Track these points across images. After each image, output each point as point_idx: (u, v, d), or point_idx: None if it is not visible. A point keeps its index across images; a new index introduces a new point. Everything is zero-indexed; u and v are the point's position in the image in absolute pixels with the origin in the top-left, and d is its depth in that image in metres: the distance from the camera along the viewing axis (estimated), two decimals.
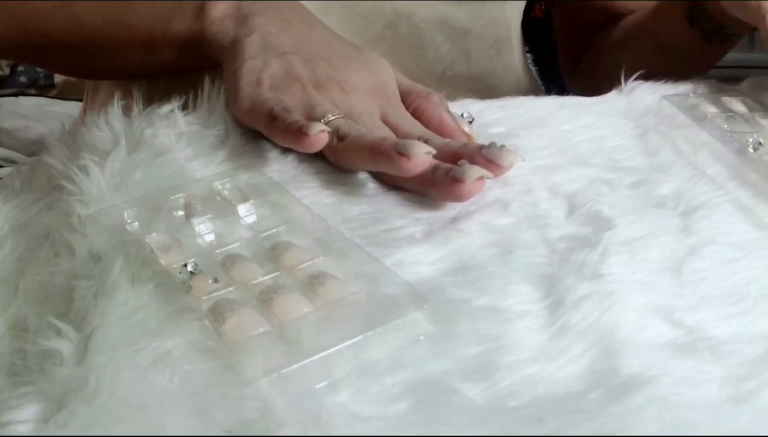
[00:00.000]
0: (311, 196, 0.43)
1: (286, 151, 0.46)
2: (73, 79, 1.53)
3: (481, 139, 0.48)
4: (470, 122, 0.50)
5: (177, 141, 0.46)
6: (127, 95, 0.51)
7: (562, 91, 0.60)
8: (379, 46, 0.66)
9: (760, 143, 0.49)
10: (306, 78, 0.48)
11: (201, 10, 0.53)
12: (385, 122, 0.48)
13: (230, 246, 0.38)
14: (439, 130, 0.48)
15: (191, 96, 0.50)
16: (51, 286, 0.36)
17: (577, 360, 0.33)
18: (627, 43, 0.78)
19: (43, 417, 0.29)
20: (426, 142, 0.44)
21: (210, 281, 0.34)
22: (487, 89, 0.72)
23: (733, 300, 0.37)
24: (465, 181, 0.41)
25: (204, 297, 0.34)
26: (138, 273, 0.35)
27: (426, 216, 0.42)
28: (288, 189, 0.42)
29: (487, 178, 0.42)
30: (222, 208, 0.41)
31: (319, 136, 0.42)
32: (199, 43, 0.53)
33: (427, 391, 0.30)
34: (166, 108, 0.49)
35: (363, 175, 0.45)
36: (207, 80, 0.51)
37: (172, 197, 0.41)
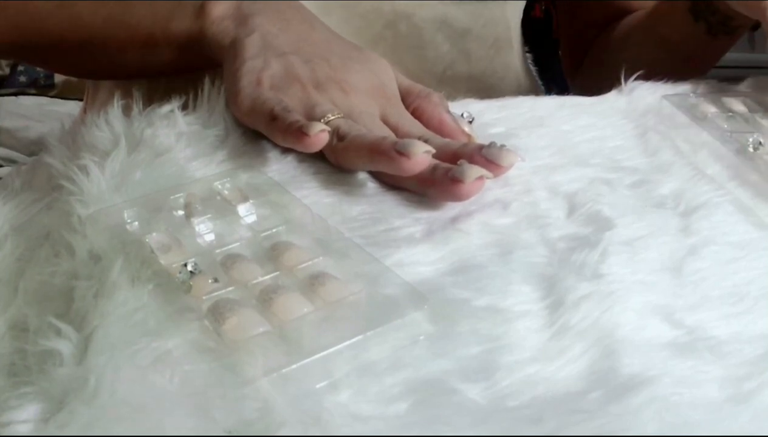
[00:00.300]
0: (311, 196, 0.43)
1: (286, 151, 0.46)
2: (73, 79, 1.53)
3: (481, 139, 0.48)
4: (470, 122, 0.50)
5: (177, 141, 0.46)
6: (127, 95, 0.51)
7: (562, 91, 0.60)
8: (379, 46, 0.66)
9: (760, 143, 0.49)
10: (306, 78, 0.48)
11: (201, 10, 0.53)
12: (385, 122, 0.48)
13: (230, 246, 0.38)
14: (439, 129, 0.48)
15: (191, 96, 0.50)
16: (51, 286, 0.36)
17: (577, 360, 0.33)
18: (629, 41, 0.78)
19: (43, 417, 0.29)
20: (426, 141, 0.44)
21: (210, 281, 0.34)
22: (486, 89, 0.72)
23: (733, 300, 0.37)
24: (464, 181, 0.41)
25: (204, 297, 0.34)
26: (138, 273, 0.35)
27: (426, 216, 0.42)
28: (288, 189, 0.42)
29: (487, 177, 0.42)
30: (222, 208, 0.41)
31: (319, 135, 0.42)
32: (199, 43, 0.53)
33: (427, 391, 0.30)
34: (166, 108, 0.49)
35: (363, 175, 0.45)
36: (207, 80, 0.51)
37: (172, 197, 0.41)
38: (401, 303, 0.34)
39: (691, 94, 0.56)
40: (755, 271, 0.39)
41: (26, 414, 0.29)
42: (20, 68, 1.70)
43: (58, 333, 0.32)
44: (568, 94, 0.58)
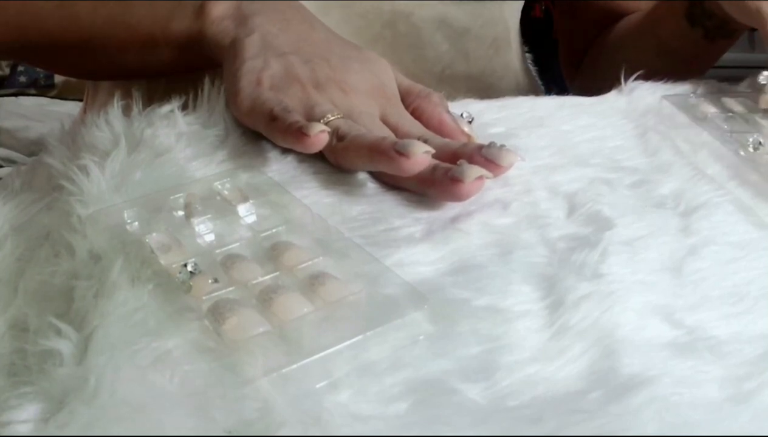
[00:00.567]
0: (311, 196, 0.43)
1: (285, 151, 0.46)
2: (73, 79, 1.53)
3: (480, 139, 0.48)
4: (470, 122, 0.50)
5: (177, 141, 0.46)
6: (127, 95, 0.51)
7: (562, 91, 0.60)
8: (378, 46, 0.66)
9: (760, 143, 0.49)
10: (306, 78, 0.48)
11: (201, 10, 0.53)
12: (385, 122, 0.48)
13: (230, 246, 0.38)
14: (439, 129, 0.48)
15: (191, 96, 0.50)
16: (51, 286, 0.36)
17: (577, 360, 0.33)
18: (627, 43, 0.78)
19: (43, 417, 0.29)
20: (425, 141, 0.44)
21: (210, 281, 0.34)
22: (485, 89, 0.72)
23: (733, 300, 0.37)
24: (464, 181, 0.41)
25: (204, 297, 0.34)
26: (138, 273, 0.35)
27: (426, 216, 0.42)
28: (288, 189, 0.42)
29: (487, 177, 0.42)
30: (222, 208, 0.41)
31: (319, 136, 0.42)
32: (198, 43, 0.53)
33: (427, 391, 0.30)
34: (166, 108, 0.49)
35: (362, 175, 0.45)
36: (207, 80, 0.51)
37: (172, 197, 0.41)
38: (401, 303, 0.34)
39: (691, 95, 0.56)
40: (755, 271, 0.39)
41: (26, 414, 0.29)
42: (20, 68, 1.70)
43: (58, 333, 0.32)
44: (568, 94, 0.58)
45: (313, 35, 0.52)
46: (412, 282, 0.35)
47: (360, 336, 0.32)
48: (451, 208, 0.42)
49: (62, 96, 1.67)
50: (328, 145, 0.44)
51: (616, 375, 0.32)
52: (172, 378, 0.30)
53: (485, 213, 0.42)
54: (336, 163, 0.45)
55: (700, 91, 0.57)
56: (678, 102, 0.54)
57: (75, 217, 0.39)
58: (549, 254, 0.39)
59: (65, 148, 0.47)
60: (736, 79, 0.61)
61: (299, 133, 0.42)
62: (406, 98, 0.51)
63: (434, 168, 0.42)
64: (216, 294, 0.34)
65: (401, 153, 0.41)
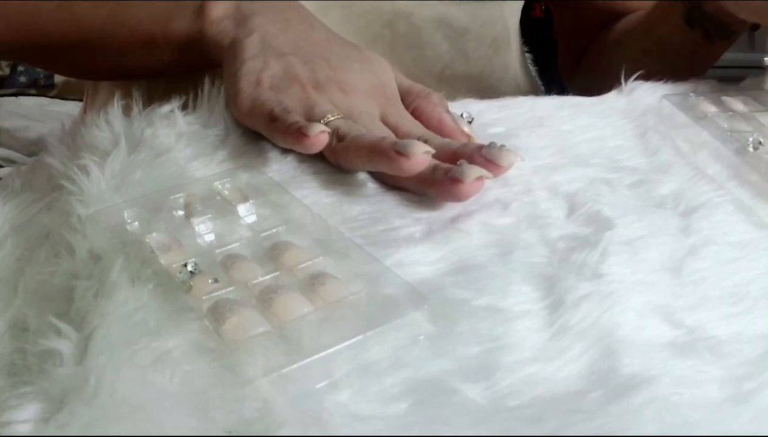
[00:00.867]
0: (311, 196, 0.43)
1: (286, 151, 0.46)
2: (72, 79, 1.53)
3: (480, 139, 0.48)
4: (470, 122, 0.50)
5: (177, 141, 0.46)
6: (127, 95, 0.51)
7: (562, 91, 0.60)
8: (378, 45, 0.66)
9: (760, 142, 0.49)
10: (305, 78, 0.48)
11: (200, 11, 0.53)
12: (385, 122, 0.48)
13: (230, 246, 0.38)
14: (439, 130, 0.48)
15: (191, 96, 0.50)
16: (51, 286, 0.36)
17: (577, 360, 0.33)
18: (627, 43, 0.78)
19: (43, 417, 0.29)
20: (425, 141, 0.44)
21: (210, 281, 0.34)
22: (485, 88, 0.72)
23: (733, 300, 0.37)
24: (464, 181, 0.41)
25: (204, 297, 0.34)
26: (138, 273, 0.35)
27: (426, 216, 0.42)
28: (288, 189, 0.42)
29: (487, 177, 0.42)
30: (222, 208, 0.41)
31: (319, 136, 0.42)
32: (198, 44, 0.53)
33: (427, 391, 0.30)
34: (166, 108, 0.49)
35: (363, 175, 0.45)
36: (207, 80, 0.51)
37: (172, 197, 0.41)
38: (401, 303, 0.34)
39: (691, 94, 0.56)
40: (755, 271, 0.39)
41: (26, 414, 0.29)
42: (20, 68, 1.70)
43: (58, 333, 0.32)
44: (568, 94, 0.58)
45: (312, 35, 0.52)
46: (412, 282, 0.35)
47: (360, 336, 0.32)
48: (451, 208, 0.42)
49: (62, 96, 1.67)
50: (328, 146, 0.44)
51: (616, 375, 0.32)
52: (172, 378, 0.30)
53: (485, 213, 0.42)
54: (336, 163, 0.45)
55: (700, 90, 0.57)
56: (678, 101, 0.54)
57: (75, 216, 0.39)
58: (549, 254, 0.39)
59: (65, 148, 0.47)
60: (736, 79, 0.61)
61: (299, 133, 0.43)
62: (406, 98, 0.51)
63: (434, 168, 0.42)
64: (216, 294, 0.34)
65: (401, 153, 0.41)
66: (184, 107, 0.49)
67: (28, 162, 0.50)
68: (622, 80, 0.57)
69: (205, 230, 0.39)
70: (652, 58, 0.73)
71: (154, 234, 0.37)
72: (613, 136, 0.51)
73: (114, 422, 0.28)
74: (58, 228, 0.39)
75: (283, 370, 0.30)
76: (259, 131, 0.46)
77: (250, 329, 0.32)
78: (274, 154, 0.46)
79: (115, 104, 0.48)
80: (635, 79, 0.57)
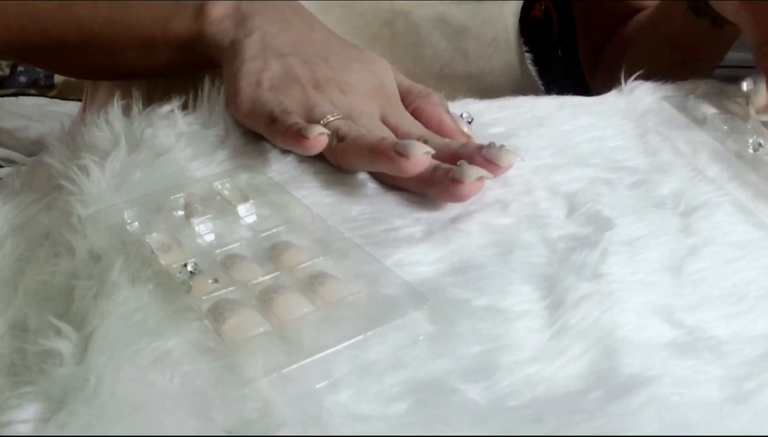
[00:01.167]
0: (311, 196, 0.43)
1: (286, 151, 0.46)
2: (73, 79, 1.53)
3: (480, 139, 0.48)
4: (469, 122, 0.50)
5: (177, 141, 0.46)
6: (127, 95, 0.51)
7: (561, 91, 0.59)
8: (377, 45, 0.66)
9: (760, 144, 0.48)
10: (305, 79, 0.48)
11: (200, 11, 0.53)
12: (385, 122, 0.48)
13: (230, 246, 0.38)
14: (439, 130, 0.48)
15: (191, 96, 0.50)
16: (51, 286, 0.36)
17: (577, 360, 0.33)
18: (638, 40, 0.78)
19: (43, 417, 0.29)
20: (425, 142, 0.44)
21: (210, 281, 0.34)
22: (484, 88, 0.72)
23: (733, 300, 0.37)
24: (464, 182, 0.41)
25: (204, 297, 0.34)
26: (138, 273, 0.35)
27: (426, 216, 0.42)
28: (288, 189, 0.42)
29: (487, 178, 0.42)
30: (222, 208, 0.41)
31: (318, 138, 0.42)
32: (198, 44, 0.53)
33: (427, 391, 0.30)
34: (166, 108, 0.49)
35: (363, 175, 0.45)
36: (207, 80, 0.51)
37: (172, 197, 0.41)
38: (401, 303, 0.34)
39: (691, 96, 0.56)
40: (755, 271, 0.39)
41: (26, 414, 0.29)
42: (20, 68, 1.70)
43: (58, 333, 0.32)
44: (567, 94, 0.58)
45: (312, 35, 0.52)
46: (412, 282, 0.35)
47: (360, 336, 0.32)
48: (451, 208, 0.42)
49: (62, 96, 1.68)
50: (328, 146, 0.44)
51: (616, 375, 0.32)
52: (172, 378, 0.30)
53: (485, 213, 0.42)
54: (336, 163, 0.45)
55: (700, 92, 0.57)
56: (678, 103, 0.54)
57: (75, 216, 0.39)
58: (549, 254, 0.39)
59: (65, 148, 0.47)
60: (736, 79, 0.61)
61: (299, 135, 0.43)
62: (405, 98, 0.51)
63: (434, 168, 0.42)
64: (216, 294, 0.34)
65: (401, 154, 0.41)
66: (184, 107, 0.49)
67: (28, 162, 0.50)
68: (622, 80, 0.57)
69: (205, 230, 0.39)
70: (664, 52, 0.73)
71: (154, 234, 0.37)
72: (613, 136, 0.51)
73: (114, 422, 0.28)
74: (58, 228, 0.39)
75: (283, 370, 0.30)
76: (259, 132, 0.46)
77: (250, 329, 0.32)
78: (274, 154, 0.46)
79: (115, 104, 0.48)
80: (635, 79, 0.57)
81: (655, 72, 0.57)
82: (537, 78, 0.84)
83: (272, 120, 0.45)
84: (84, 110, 0.77)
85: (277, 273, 0.36)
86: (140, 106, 0.49)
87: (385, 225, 0.40)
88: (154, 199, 0.40)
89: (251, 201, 0.41)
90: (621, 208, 0.43)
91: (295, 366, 0.30)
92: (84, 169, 0.42)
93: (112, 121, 0.47)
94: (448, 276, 0.37)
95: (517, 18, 0.77)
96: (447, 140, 0.47)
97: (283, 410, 0.29)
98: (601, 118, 0.53)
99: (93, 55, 0.59)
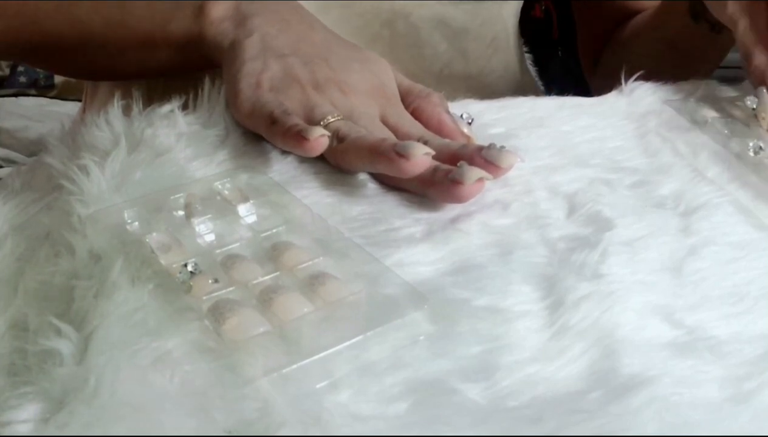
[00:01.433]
0: (311, 196, 0.43)
1: (286, 151, 0.46)
2: (73, 79, 1.53)
3: (480, 140, 0.48)
4: (470, 123, 0.50)
5: (177, 141, 0.46)
6: (127, 95, 0.51)
7: (561, 91, 0.60)
8: (377, 45, 0.66)
9: (760, 147, 0.48)
10: (305, 79, 0.48)
11: (200, 11, 0.53)
12: (385, 122, 0.48)
13: (230, 247, 0.38)
14: (439, 130, 0.48)
15: (191, 96, 0.50)
16: (51, 286, 0.36)
17: (577, 360, 0.33)
18: (636, 43, 0.78)
19: (43, 417, 0.29)
20: (425, 142, 0.45)
21: (210, 281, 0.34)
22: (484, 88, 0.72)
23: (733, 301, 0.37)
24: (464, 183, 0.41)
25: (204, 297, 0.34)
26: (138, 273, 0.35)
27: (426, 216, 0.42)
28: (288, 189, 0.42)
29: (487, 179, 0.42)
30: (222, 208, 0.41)
31: (318, 140, 0.42)
32: (198, 45, 0.53)
33: (427, 391, 0.30)
34: (166, 108, 0.49)
35: (363, 176, 0.45)
36: (207, 80, 0.51)
37: (172, 197, 0.41)
38: (401, 303, 0.34)
39: (692, 99, 0.56)
40: (755, 271, 0.39)
41: (26, 414, 0.29)
42: (20, 69, 1.70)
43: (58, 333, 0.32)
44: (567, 95, 0.58)
45: (312, 36, 0.52)
46: (412, 283, 0.35)
47: (360, 337, 0.32)
48: (451, 209, 0.42)
49: (62, 96, 1.68)
50: (329, 147, 0.44)
51: (616, 375, 0.32)
52: (172, 378, 0.30)
53: (485, 213, 0.42)
54: (336, 164, 0.45)
55: (701, 94, 0.57)
56: (679, 106, 0.54)
57: (75, 216, 0.39)
58: (549, 254, 0.39)
59: (65, 147, 0.47)
60: (736, 80, 0.61)
61: (299, 136, 0.43)
62: (405, 98, 0.51)
63: (435, 169, 0.42)
64: (216, 294, 0.34)
65: (401, 154, 0.41)
66: (184, 107, 0.49)
67: (28, 162, 0.50)
68: (623, 81, 0.57)
69: (205, 230, 0.39)
70: (662, 56, 0.73)
71: (154, 234, 0.37)
72: (613, 137, 0.51)
73: (114, 422, 0.28)
74: (58, 228, 0.39)
75: (283, 370, 0.30)
76: (260, 133, 0.46)
77: (250, 329, 0.32)
78: (274, 154, 0.46)
79: (115, 104, 0.48)
80: (635, 79, 0.57)
81: (654, 74, 0.58)
82: (537, 78, 0.84)
83: (272, 121, 0.45)
84: (84, 110, 0.77)
85: (277, 273, 0.36)
86: (140, 106, 0.49)
87: (385, 226, 0.41)
88: (154, 199, 0.40)
89: (251, 201, 0.41)
90: (621, 208, 0.43)
91: (295, 366, 0.30)
92: (84, 169, 0.42)
93: (112, 121, 0.47)
94: (448, 277, 0.37)
95: (517, 18, 0.77)
96: (447, 141, 0.47)
97: (283, 410, 0.29)
98: (601, 118, 0.53)
99: (93, 55, 0.59)
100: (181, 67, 0.56)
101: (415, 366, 0.31)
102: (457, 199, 0.42)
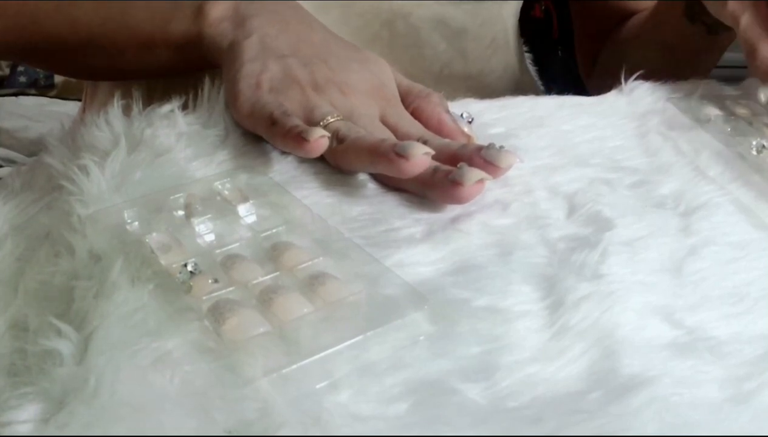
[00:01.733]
0: (311, 196, 0.43)
1: (286, 151, 0.46)
2: (72, 79, 1.53)
3: (480, 140, 0.48)
4: (470, 122, 0.50)
5: (177, 141, 0.46)
6: (126, 95, 0.51)
7: (561, 91, 0.60)
8: (376, 45, 0.66)
9: (763, 146, 0.48)
10: (305, 80, 0.48)
11: (199, 12, 0.53)
12: (385, 123, 0.48)
13: (230, 247, 0.38)
14: (438, 130, 0.48)
15: (191, 96, 0.50)
16: (51, 286, 0.36)
17: (577, 360, 0.33)
18: (633, 44, 0.78)
19: (43, 417, 0.29)
20: (425, 142, 0.44)
21: (210, 281, 0.34)
22: (484, 88, 0.72)
23: (733, 301, 0.37)
24: (464, 184, 0.41)
25: (204, 298, 0.34)
26: (138, 273, 0.35)
27: (426, 216, 0.42)
28: (288, 189, 0.42)
29: (486, 179, 0.42)
30: (222, 208, 0.41)
31: (319, 141, 0.42)
32: (197, 45, 0.53)
33: (427, 391, 0.30)
34: (166, 108, 0.49)
35: (363, 176, 0.45)
36: (207, 80, 0.51)
37: (172, 197, 0.41)
38: (401, 303, 0.34)
39: (694, 97, 0.56)
40: (755, 272, 0.39)
41: (26, 414, 0.29)
42: (20, 68, 1.70)
43: (58, 333, 0.32)
44: (567, 94, 0.58)
45: (311, 36, 0.52)
46: (413, 283, 0.35)
47: (360, 337, 0.32)
48: (451, 209, 0.42)
49: (62, 96, 1.68)
50: (328, 148, 0.44)
51: (616, 376, 0.32)
52: (172, 379, 0.30)
53: (485, 213, 0.42)
54: (336, 164, 0.45)
55: (702, 93, 0.57)
56: (680, 104, 0.54)
57: (75, 216, 0.39)
58: (549, 254, 0.39)
59: (65, 148, 0.47)
60: (736, 79, 0.61)
61: (299, 138, 0.42)
62: (405, 98, 0.51)
63: (434, 170, 0.42)
64: (216, 294, 0.34)
65: (401, 155, 0.41)
66: (184, 107, 0.49)
67: (28, 162, 0.50)
68: (623, 80, 0.57)
69: (205, 230, 0.39)
70: (658, 57, 0.73)
71: (154, 234, 0.37)
72: (613, 136, 0.51)
73: (114, 422, 0.28)
74: (58, 228, 0.39)
75: (283, 371, 0.30)
76: (260, 134, 0.46)
77: (250, 329, 0.32)
78: (274, 155, 0.46)
79: (115, 104, 0.48)
80: (635, 78, 0.57)
81: (651, 75, 0.58)
82: (537, 78, 0.84)
83: (272, 122, 0.45)
84: (84, 110, 0.77)
85: (277, 273, 0.36)
86: (140, 106, 0.49)
87: (385, 226, 0.41)
88: (154, 199, 0.40)
89: (251, 201, 0.41)
90: (621, 208, 0.43)
91: (295, 366, 0.30)
92: (84, 169, 0.42)
93: (112, 121, 0.47)
94: (448, 277, 0.37)
95: (517, 18, 0.77)
96: (447, 141, 0.47)
97: (283, 410, 0.29)
98: (602, 118, 0.53)
99: (92, 56, 0.59)
100: (181, 68, 0.56)
101: (415, 366, 0.31)
102: (457, 200, 0.42)
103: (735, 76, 0.61)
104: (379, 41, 0.66)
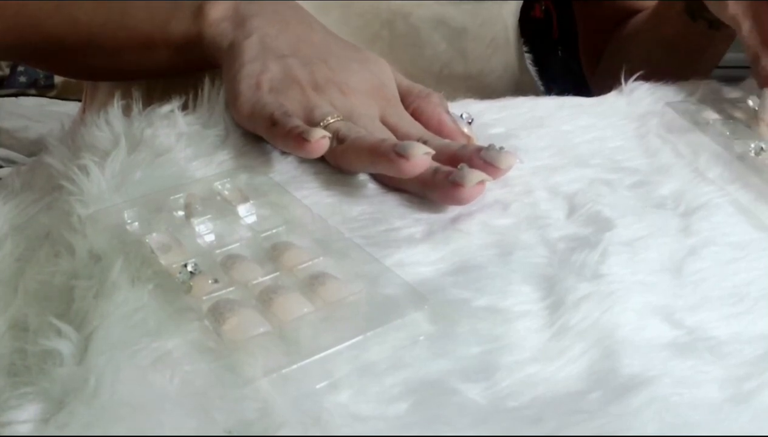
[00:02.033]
0: (311, 196, 0.43)
1: (286, 151, 0.46)
2: (72, 79, 1.53)
3: (481, 140, 0.48)
4: (470, 123, 0.50)
5: (177, 141, 0.46)
6: (126, 95, 0.51)
7: (561, 91, 0.60)
8: (376, 45, 0.66)
9: (762, 148, 0.48)
10: (305, 80, 0.48)
11: (199, 12, 0.53)
12: (385, 123, 0.48)
13: (230, 247, 0.38)
14: (438, 130, 0.48)
15: (191, 96, 0.50)
16: (51, 286, 0.36)
17: (577, 360, 0.33)
18: (635, 43, 0.78)
19: (43, 417, 0.29)
20: (425, 143, 0.44)
21: (210, 281, 0.34)
22: (484, 88, 0.72)
23: (733, 301, 0.37)
24: (465, 185, 0.41)
25: (204, 298, 0.34)
26: (138, 273, 0.35)
27: (426, 216, 0.42)
28: (288, 189, 0.42)
29: (486, 180, 0.42)
30: (222, 208, 0.41)
31: (320, 142, 0.42)
32: (197, 45, 0.53)
33: (427, 391, 0.30)
34: (166, 108, 0.49)
35: (363, 176, 0.45)
36: (207, 80, 0.51)
37: (172, 197, 0.41)
38: (401, 303, 0.34)
39: (693, 100, 0.56)
40: (755, 272, 0.39)
41: (26, 414, 0.29)
42: (20, 69, 1.70)
43: (58, 333, 0.32)
44: (567, 94, 0.58)
45: (311, 36, 0.52)
46: (413, 283, 0.35)
47: (360, 337, 0.32)
48: (451, 209, 0.42)
49: (62, 96, 1.68)
50: (329, 148, 0.44)
51: (616, 376, 0.32)
52: (172, 379, 0.30)
53: (485, 213, 0.42)
54: (336, 164, 0.45)
55: (701, 95, 0.57)
56: (680, 107, 0.54)
57: (75, 216, 0.39)
58: (549, 254, 0.39)
59: (65, 148, 0.47)
60: (736, 79, 0.61)
61: (300, 138, 0.42)
62: (405, 98, 0.51)
63: (435, 171, 0.42)
64: (216, 294, 0.34)
65: (401, 155, 0.41)
66: (184, 107, 0.49)
67: (28, 162, 0.50)
68: (623, 81, 0.57)
69: (205, 230, 0.39)
70: (660, 55, 0.73)
71: (154, 234, 0.37)
72: (613, 137, 0.51)
73: (114, 422, 0.28)
74: (58, 228, 0.39)
75: (283, 371, 0.30)
76: (260, 134, 0.46)
77: (250, 329, 0.32)
78: (274, 155, 0.46)
79: (115, 104, 0.48)
80: (636, 79, 0.57)
81: (653, 73, 0.58)
82: (537, 78, 0.84)
83: (273, 123, 0.45)
84: (84, 110, 0.77)
85: (277, 273, 0.36)
86: (140, 106, 0.49)
87: (385, 226, 0.41)
88: (154, 199, 0.40)
89: (251, 201, 0.41)
90: (621, 208, 0.43)
91: (295, 366, 0.30)
92: (84, 169, 0.42)
93: (112, 121, 0.47)
94: (449, 277, 0.37)
95: (517, 18, 0.77)
96: (447, 141, 0.47)
97: (283, 410, 0.29)
98: (602, 118, 0.53)
99: (92, 56, 0.59)
100: (181, 68, 0.56)
101: (415, 366, 0.31)
102: (458, 202, 0.42)
103: (735, 76, 0.61)
104: (379, 41, 0.66)
